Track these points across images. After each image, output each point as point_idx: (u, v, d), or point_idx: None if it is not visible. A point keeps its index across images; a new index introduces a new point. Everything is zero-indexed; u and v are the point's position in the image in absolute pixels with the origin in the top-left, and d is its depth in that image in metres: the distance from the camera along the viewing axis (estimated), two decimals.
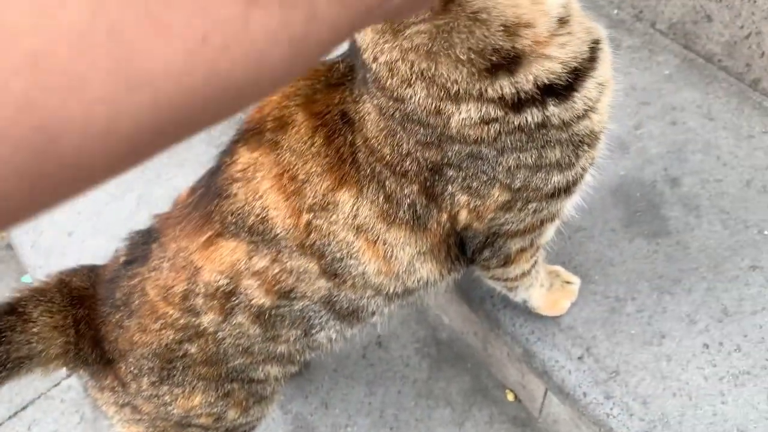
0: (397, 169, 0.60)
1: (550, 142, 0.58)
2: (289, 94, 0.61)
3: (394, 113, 0.56)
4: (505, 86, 0.54)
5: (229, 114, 0.23)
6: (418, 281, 0.69)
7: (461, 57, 0.51)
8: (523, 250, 0.72)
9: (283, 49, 0.22)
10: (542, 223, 0.67)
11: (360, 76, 0.58)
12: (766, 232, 0.92)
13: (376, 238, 0.63)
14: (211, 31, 0.20)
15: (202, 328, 0.66)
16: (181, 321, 0.66)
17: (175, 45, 0.19)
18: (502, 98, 0.54)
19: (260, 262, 0.63)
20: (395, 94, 0.54)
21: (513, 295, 0.84)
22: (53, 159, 0.18)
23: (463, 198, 0.62)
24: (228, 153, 0.65)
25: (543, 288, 0.84)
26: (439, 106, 0.54)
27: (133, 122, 0.19)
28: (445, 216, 0.64)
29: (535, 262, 0.77)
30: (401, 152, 0.59)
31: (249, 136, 0.63)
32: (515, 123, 0.55)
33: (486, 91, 0.53)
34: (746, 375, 0.82)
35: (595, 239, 0.95)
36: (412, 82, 0.53)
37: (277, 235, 0.62)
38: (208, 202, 0.64)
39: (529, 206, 0.64)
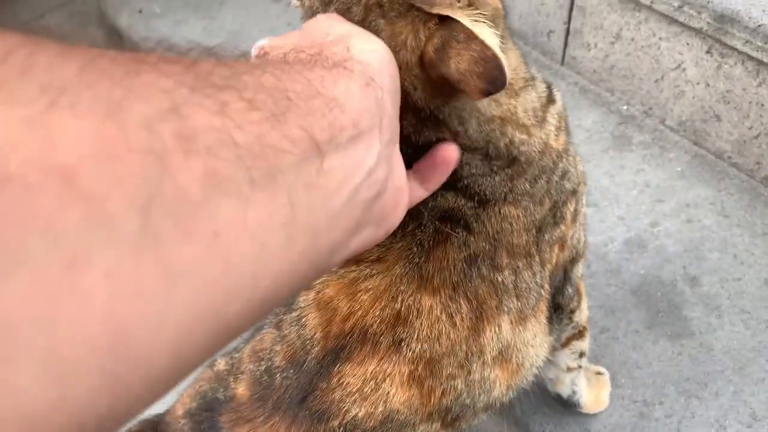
0: (527, 252, 0.56)
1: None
2: (386, 290, 0.54)
3: (522, 188, 0.54)
4: (542, 86, 0.55)
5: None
6: (532, 371, 0.63)
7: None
8: (580, 277, 0.69)
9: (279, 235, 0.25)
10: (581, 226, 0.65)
11: (455, 210, 0.53)
12: None
13: (512, 353, 0.58)
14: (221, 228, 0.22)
15: None
16: None
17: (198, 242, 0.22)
18: (548, 96, 0.55)
19: None
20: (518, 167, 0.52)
21: (571, 381, 0.82)
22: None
23: (555, 234, 0.58)
24: (322, 378, 0.56)
25: (586, 380, 0.84)
26: (543, 136, 0.53)
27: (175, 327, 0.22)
28: (548, 272, 0.60)
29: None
30: (530, 226, 0.55)
31: (349, 352, 0.55)
32: (559, 107, 0.56)
33: (541, 94, 0.54)
34: None
35: (619, 341, 0.96)
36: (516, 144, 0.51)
37: (404, 419, 0.56)
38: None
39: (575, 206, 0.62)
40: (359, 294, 0.54)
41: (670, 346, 0.95)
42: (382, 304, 0.54)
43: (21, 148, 0.18)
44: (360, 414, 0.55)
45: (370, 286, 0.54)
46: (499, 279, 0.55)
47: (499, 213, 0.53)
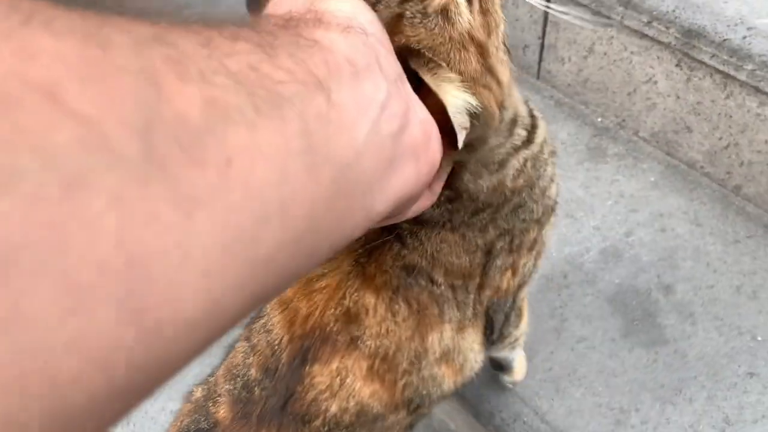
0: (467, 272, 0.59)
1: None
2: (337, 287, 0.57)
3: (461, 219, 0.56)
4: (521, 132, 0.56)
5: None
6: (474, 372, 0.69)
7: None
8: (523, 298, 0.73)
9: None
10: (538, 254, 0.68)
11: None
12: (759, 338, 0.96)
13: (455, 355, 0.62)
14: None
15: None
16: None
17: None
18: (523, 141, 0.56)
19: None
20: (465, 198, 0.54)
21: (510, 354, 0.85)
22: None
23: (508, 261, 0.62)
24: (296, 382, 0.58)
25: (522, 352, 0.89)
26: (495, 180, 0.55)
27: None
28: (489, 292, 0.63)
29: None
30: (473, 249, 0.58)
31: (314, 353, 0.57)
32: (534, 150, 0.57)
33: (515, 143, 0.55)
34: None
35: (596, 349, 0.98)
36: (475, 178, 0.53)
37: (376, 413, 0.60)
38: None
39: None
40: (315, 294, 0.56)
41: (645, 353, 0.96)
42: (335, 302, 0.57)
43: None
44: (335, 409, 0.57)
45: (324, 285, 0.57)
46: (437, 292, 0.58)
47: (438, 235, 0.56)
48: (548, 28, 1.25)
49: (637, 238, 1.08)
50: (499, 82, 0.43)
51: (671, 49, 1.06)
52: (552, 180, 0.62)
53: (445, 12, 0.39)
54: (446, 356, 0.62)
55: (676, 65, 1.07)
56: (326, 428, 0.58)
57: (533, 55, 1.32)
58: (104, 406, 0.18)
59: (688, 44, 1.01)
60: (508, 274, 0.63)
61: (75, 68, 0.17)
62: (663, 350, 0.96)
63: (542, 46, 1.29)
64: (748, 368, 0.93)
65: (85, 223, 0.16)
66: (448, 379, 0.64)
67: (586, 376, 0.95)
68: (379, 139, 0.29)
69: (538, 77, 1.34)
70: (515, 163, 0.55)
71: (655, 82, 1.12)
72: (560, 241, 1.09)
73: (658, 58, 1.09)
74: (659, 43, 1.06)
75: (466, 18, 0.40)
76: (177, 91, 0.20)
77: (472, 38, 0.41)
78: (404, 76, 0.35)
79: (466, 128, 0.39)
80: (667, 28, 1.03)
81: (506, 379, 0.92)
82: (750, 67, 0.96)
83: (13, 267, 0.15)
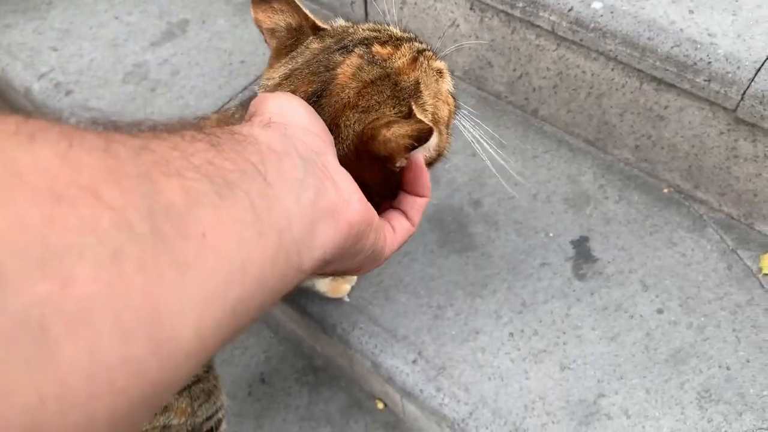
0: None
1: None
2: None
3: None
4: None
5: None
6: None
7: None
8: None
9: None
10: None
11: None
12: (551, 234, 1.14)
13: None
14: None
15: None
16: None
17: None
18: None
19: None
20: None
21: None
22: None
23: None
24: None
25: (328, 277, 1.05)
26: None
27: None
28: None
29: None
30: None
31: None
32: None
33: None
34: (543, 353, 1.02)
35: (418, 260, 1.13)
36: None
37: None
38: None
39: None
40: None
41: (458, 258, 1.13)
42: None
43: (61, 174, 0.23)
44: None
45: None
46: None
47: None
48: None
49: (452, 165, 1.24)
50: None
51: None
52: None
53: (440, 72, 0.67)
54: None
55: (470, 8, 1.22)
56: None
57: (360, 10, 1.44)
58: (139, 413, 0.25)
59: None
60: None
61: (103, 174, 0.25)
62: (473, 254, 1.13)
63: (366, 1, 1.42)
64: (541, 260, 1.11)
65: (125, 283, 0.23)
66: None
67: (411, 283, 1.11)
68: (302, 206, 0.37)
69: None
70: None
71: (458, 26, 1.27)
72: None
73: (455, 3, 1.23)
74: None
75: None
76: (165, 185, 0.27)
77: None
78: (326, 154, 0.44)
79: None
80: None
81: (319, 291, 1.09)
82: (521, 4, 1.11)
83: (85, 314, 0.22)
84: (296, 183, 0.37)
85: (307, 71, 0.58)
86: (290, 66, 0.60)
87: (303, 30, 0.64)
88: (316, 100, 0.55)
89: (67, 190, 0.23)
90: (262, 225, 0.32)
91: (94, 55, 1.50)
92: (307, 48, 0.62)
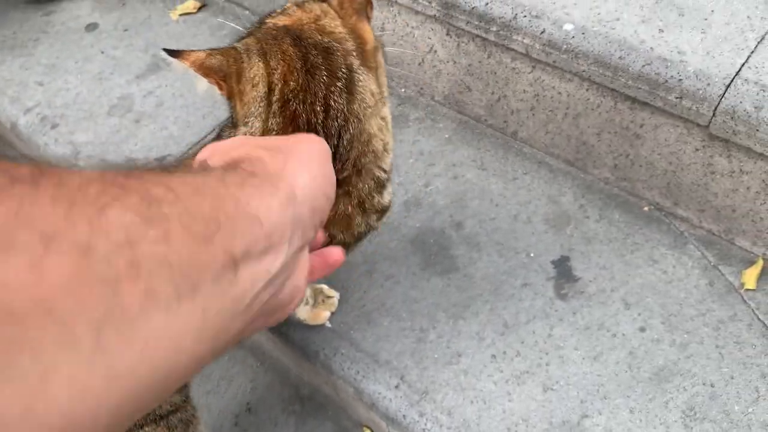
0: None
1: None
2: None
3: None
4: None
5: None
6: None
7: None
8: None
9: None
10: None
11: None
12: (532, 254, 1.14)
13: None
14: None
15: None
16: None
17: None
18: None
19: None
20: None
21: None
22: None
23: None
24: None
25: (307, 306, 1.05)
26: None
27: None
28: None
29: None
30: None
31: None
32: None
33: None
34: (526, 374, 1.01)
35: (401, 283, 1.13)
36: None
37: None
38: None
39: None
40: None
41: (440, 280, 1.13)
42: None
43: (23, 289, 0.23)
44: None
45: None
46: None
47: None
48: None
49: (434, 188, 1.25)
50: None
51: (439, 21, 1.22)
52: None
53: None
54: None
55: (447, 34, 1.24)
56: None
57: None
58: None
59: (448, 14, 1.18)
60: None
61: (69, 282, 0.24)
62: (455, 276, 1.13)
63: None
64: (523, 280, 1.11)
65: (46, 403, 0.23)
66: None
67: (393, 307, 1.10)
68: (253, 306, 0.35)
69: None
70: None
71: (436, 51, 1.29)
72: None
73: (432, 29, 1.25)
74: (428, 16, 1.23)
75: None
76: (128, 291, 0.27)
77: None
78: (306, 245, 0.42)
79: None
80: (429, 2, 1.19)
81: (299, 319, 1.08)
82: (495, 28, 1.13)
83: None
84: (264, 281, 0.36)
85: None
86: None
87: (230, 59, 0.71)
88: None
89: (24, 309, 0.23)
90: (205, 330, 0.31)
91: (80, 89, 1.52)
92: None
